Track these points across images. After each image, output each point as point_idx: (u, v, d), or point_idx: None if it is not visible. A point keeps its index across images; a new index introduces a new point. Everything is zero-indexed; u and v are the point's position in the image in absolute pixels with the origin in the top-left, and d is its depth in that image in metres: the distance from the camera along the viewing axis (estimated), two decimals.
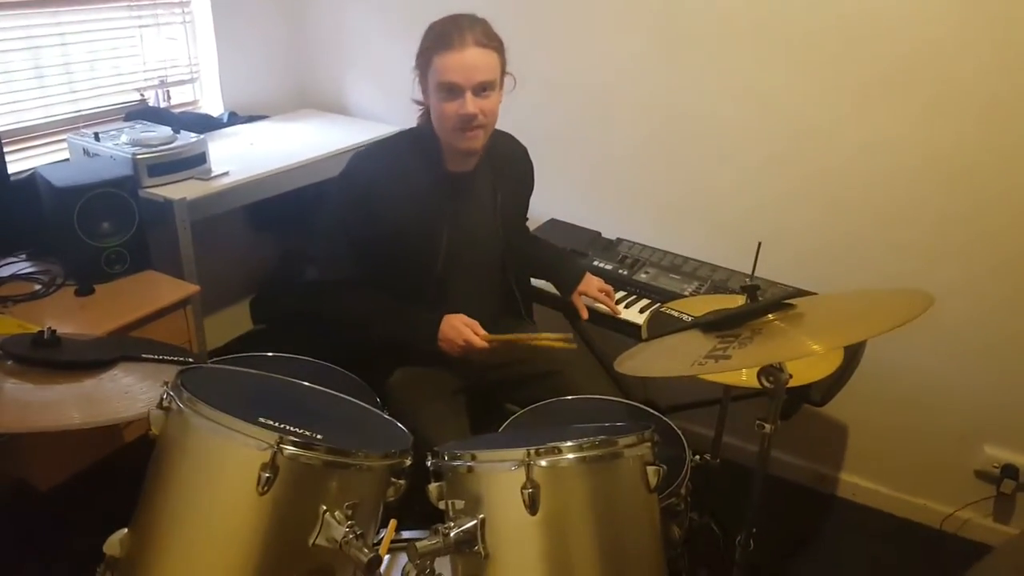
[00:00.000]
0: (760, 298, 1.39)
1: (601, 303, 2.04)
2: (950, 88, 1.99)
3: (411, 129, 1.86)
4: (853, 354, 1.90)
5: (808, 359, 1.54)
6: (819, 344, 1.21)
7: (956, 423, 2.28)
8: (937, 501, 2.39)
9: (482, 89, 1.66)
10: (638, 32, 2.33)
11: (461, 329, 1.72)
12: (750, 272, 1.74)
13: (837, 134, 2.16)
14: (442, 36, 1.65)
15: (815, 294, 1.95)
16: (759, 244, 1.68)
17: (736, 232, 2.35)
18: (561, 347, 1.72)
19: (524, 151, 2.00)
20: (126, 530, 1.16)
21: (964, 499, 2.33)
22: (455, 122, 1.67)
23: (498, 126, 1.79)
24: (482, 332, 1.72)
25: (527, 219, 2.12)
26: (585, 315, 2.03)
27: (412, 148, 1.80)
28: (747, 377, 1.55)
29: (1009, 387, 2.17)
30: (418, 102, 1.79)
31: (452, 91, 1.65)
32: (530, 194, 2.05)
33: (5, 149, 1.93)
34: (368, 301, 1.80)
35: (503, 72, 1.72)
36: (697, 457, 1.75)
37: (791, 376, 1.32)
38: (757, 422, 1.38)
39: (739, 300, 1.47)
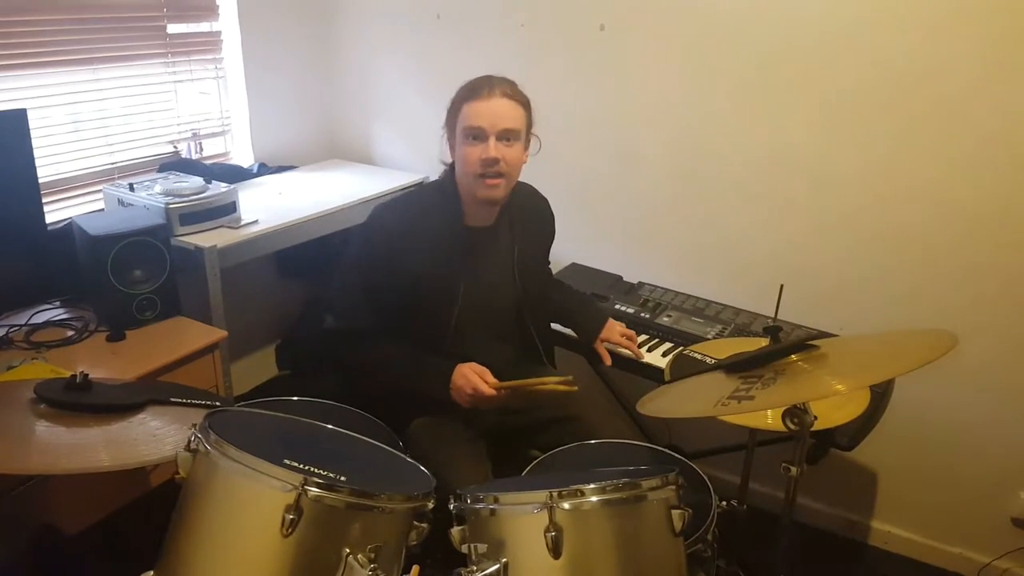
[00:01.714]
0: (783, 339, 1.38)
1: (624, 348, 2.04)
2: (962, 132, 2.00)
3: (434, 182, 1.90)
4: (880, 397, 1.87)
5: (834, 402, 1.54)
6: (843, 384, 1.20)
7: (990, 469, 2.22)
8: (973, 550, 2.32)
9: (506, 137, 1.70)
10: (660, 79, 2.38)
11: (470, 376, 1.72)
12: (773, 315, 1.74)
13: (857, 177, 2.17)
14: (472, 88, 1.73)
15: (838, 336, 1.94)
16: (781, 287, 1.68)
17: (758, 275, 2.35)
18: (563, 390, 1.70)
19: (545, 203, 2.03)
20: (151, 572, 1.16)
21: (1002, 548, 2.26)
22: (477, 167, 1.70)
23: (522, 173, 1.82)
24: (492, 380, 1.72)
25: (549, 263, 2.14)
26: (608, 361, 2.03)
27: (433, 201, 1.83)
28: (772, 420, 1.54)
29: None
30: (446, 164, 1.84)
31: (477, 136, 1.70)
32: (550, 244, 2.08)
33: (43, 199, 2.00)
34: (383, 349, 1.81)
35: (529, 128, 1.77)
36: (724, 503, 1.73)
37: (816, 418, 1.31)
38: (783, 465, 1.36)
39: (763, 343, 1.47)
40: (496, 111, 1.69)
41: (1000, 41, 1.92)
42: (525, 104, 1.75)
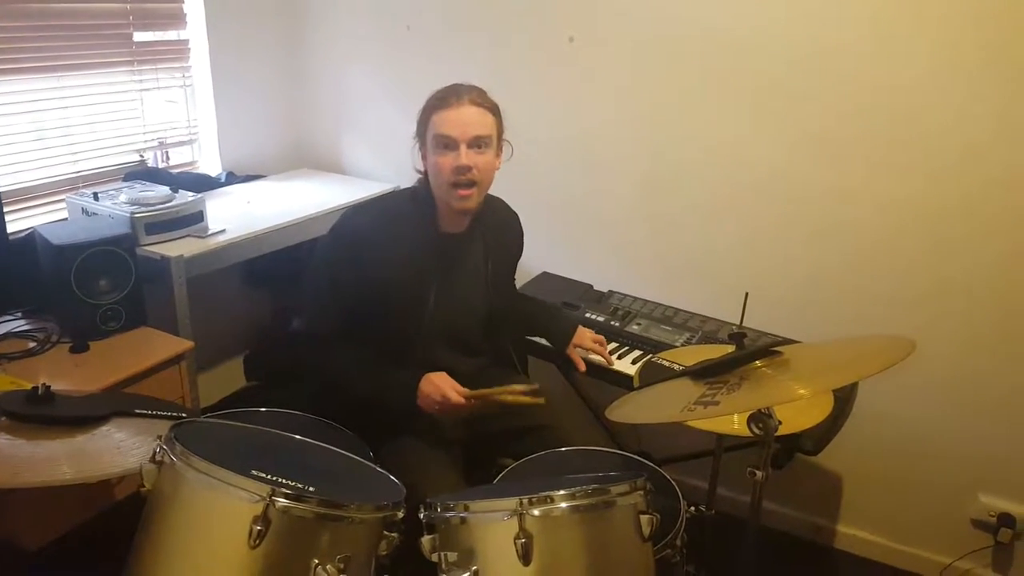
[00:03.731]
0: (747, 346, 1.41)
1: (595, 353, 2.06)
2: (921, 138, 2.06)
3: (408, 188, 1.89)
4: (844, 402, 1.90)
5: (798, 407, 1.57)
6: (805, 388, 1.22)
7: (950, 472, 2.27)
8: (935, 551, 2.37)
9: (477, 144, 1.71)
10: (629, 90, 2.41)
11: (440, 384, 1.70)
12: (739, 322, 1.77)
13: (821, 188, 2.21)
14: (441, 97, 1.73)
15: (800, 343, 1.97)
16: (746, 294, 1.71)
17: (725, 284, 2.38)
18: (528, 402, 1.69)
19: (516, 218, 2.04)
20: None
21: (962, 549, 2.31)
22: (449, 175, 1.70)
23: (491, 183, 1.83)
24: (460, 388, 1.71)
25: (514, 279, 2.15)
26: (582, 367, 2.04)
27: (407, 207, 1.83)
28: (738, 425, 1.56)
29: (1000, 435, 2.18)
30: (420, 172, 1.83)
31: (448, 145, 1.70)
32: (518, 260, 2.09)
33: (5, 208, 1.96)
34: (349, 359, 1.79)
35: (499, 135, 1.78)
36: (692, 508, 1.74)
37: (780, 423, 1.34)
38: (748, 469, 1.38)
39: (729, 349, 1.49)
40: (465, 119, 1.69)
41: (960, 63, 1.97)
42: (494, 110, 1.75)
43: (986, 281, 2.09)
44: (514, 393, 1.70)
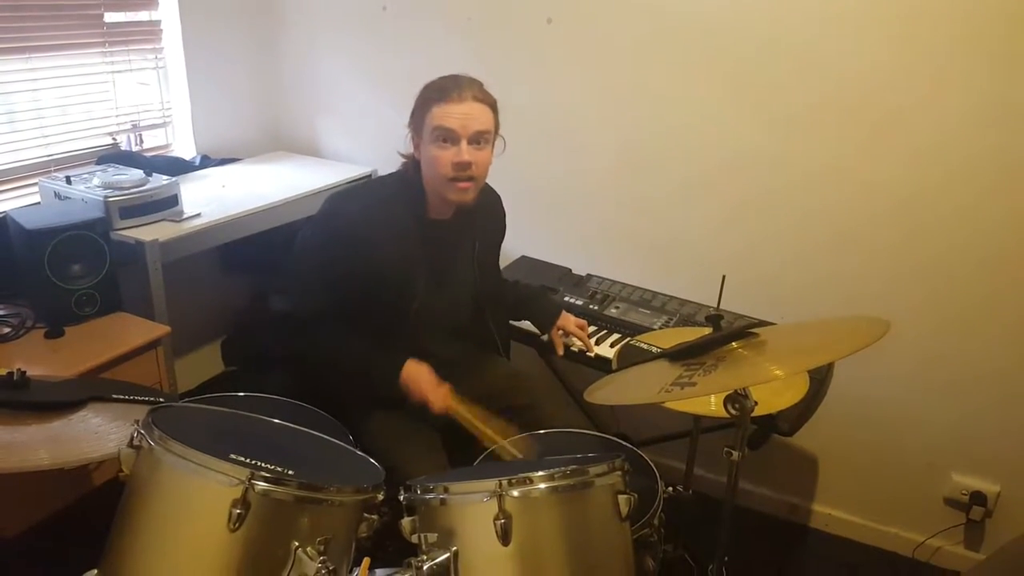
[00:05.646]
0: (724, 328, 1.42)
1: (578, 339, 2.07)
2: (896, 120, 2.08)
3: (395, 173, 1.88)
4: (820, 384, 1.93)
5: (774, 388, 1.59)
6: (781, 369, 1.24)
7: (923, 451, 2.32)
8: (908, 529, 2.41)
9: (477, 140, 1.70)
10: (607, 72, 2.40)
11: (422, 385, 1.73)
12: (716, 305, 1.78)
13: (802, 174, 2.23)
14: (443, 89, 1.71)
15: (776, 324, 1.99)
16: (723, 277, 1.72)
17: (703, 267, 2.40)
18: (496, 443, 1.70)
19: (498, 198, 2.04)
20: (95, 571, 1.14)
21: (935, 527, 2.36)
22: (448, 170, 1.70)
23: None
24: (443, 393, 1.73)
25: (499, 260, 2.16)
26: (561, 351, 2.06)
27: (394, 191, 1.83)
28: (715, 406, 1.57)
29: (971, 415, 2.22)
30: (404, 156, 1.83)
31: (448, 139, 1.69)
32: (502, 240, 2.09)
33: None
34: (337, 337, 1.80)
35: (496, 130, 1.77)
36: (670, 489, 1.76)
37: (756, 403, 1.36)
38: (725, 449, 1.40)
39: (706, 332, 1.50)
40: (468, 114, 1.68)
41: (936, 47, 1.99)
42: (493, 106, 1.75)
43: (960, 264, 2.12)
44: (490, 436, 1.69)
